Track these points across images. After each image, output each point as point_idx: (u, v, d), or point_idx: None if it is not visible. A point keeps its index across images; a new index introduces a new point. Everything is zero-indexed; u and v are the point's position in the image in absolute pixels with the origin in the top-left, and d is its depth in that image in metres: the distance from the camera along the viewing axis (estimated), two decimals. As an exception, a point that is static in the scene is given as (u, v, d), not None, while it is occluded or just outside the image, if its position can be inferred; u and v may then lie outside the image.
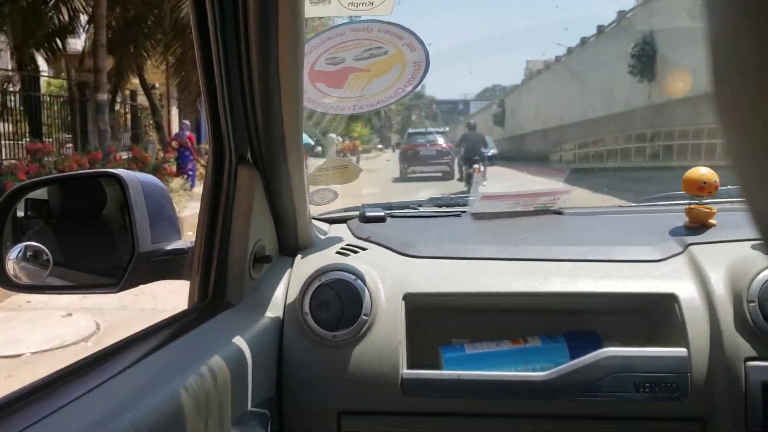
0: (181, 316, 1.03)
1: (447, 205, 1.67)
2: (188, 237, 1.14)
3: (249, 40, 0.99)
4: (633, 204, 1.80)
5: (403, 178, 18.66)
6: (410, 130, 21.61)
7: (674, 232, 1.31)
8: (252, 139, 1.12)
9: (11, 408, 0.64)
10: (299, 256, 1.29)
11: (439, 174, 17.92)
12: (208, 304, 1.09)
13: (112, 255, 1.14)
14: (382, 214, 1.50)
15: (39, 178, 1.19)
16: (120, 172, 1.09)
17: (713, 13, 0.27)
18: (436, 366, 1.17)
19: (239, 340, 0.97)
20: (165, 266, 1.10)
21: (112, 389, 0.71)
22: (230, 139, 1.08)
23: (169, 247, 1.10)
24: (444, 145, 19.39)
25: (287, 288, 1.21)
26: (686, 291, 1.14)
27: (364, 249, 1.29)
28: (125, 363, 0.79)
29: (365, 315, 1.14)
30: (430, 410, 1.14)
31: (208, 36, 0.98)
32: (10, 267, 1.09)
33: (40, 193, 1.18)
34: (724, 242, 1.23)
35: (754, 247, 1.19)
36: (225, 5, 0.97)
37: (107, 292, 1.08)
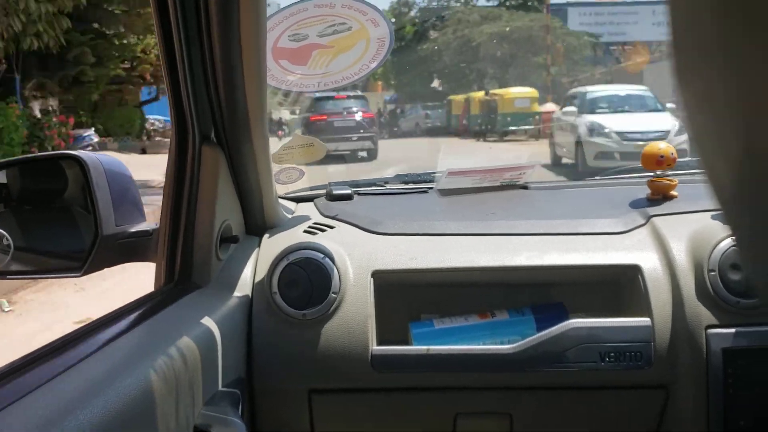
0: (148, 299, 1.02)
1: (414, 182, 1.67)
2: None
3: (210, 17, 0.97)
4: (597, 177, 1.82)
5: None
6: (317, 95, 15.56)
7: (637, 205, 1.33)
8: (215, 118, 1.11)
9: None
10: (266, 236, 1.28)
11: (364, 153, 14.51)
12: (175, 286, 1.08)
13: (75, 238, 1.12)
14: (349, 191, 1.50)
15: None
16: (81, 153, 1.06)
17: None
18: (406, 342, 1.18)
19: (207, 321, 0.97)
20: (130, 248, 1.08)
21: (80, 374, 0.71)
22: (193, 118, 1.07)
23: (133, 229, 1.08)
24: (364, 113, 15.34)
25: (255, 268, 1.20)
26: (649, 262, 1.16)
27: (331, 227, 1.29)
28: (92, 347, 0.78)
29: (334, 293, 1.14)
30: (401, 385, 1.15)
31: (168, 14, 0.96)
32: None
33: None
34: (685, 213, 1.25)
35: (714, 217, 1.21)
36: None
37: (71, 276, 1.07)
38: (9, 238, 1.07)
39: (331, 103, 15.36)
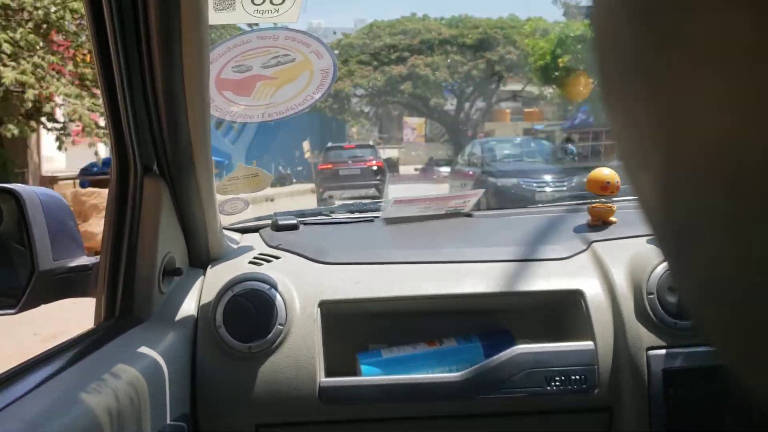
0: (88, 335, 0.99)
1: (360, 211, 1.67)
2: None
3: (151, 47, 0.96)
4: (540, 205, 1.86)
5: (319, 203, 15.08)
6: (328, 144, 18.12)
7: (578, 231, 1.36)
8: (158, 149, 1.09)
9: None
10: (210, 268, 1.26)
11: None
12: (116, 321, 1.05)
13: (9, 274, 1.08)
14: (294, 221, 1.49)
15: None
16: (16, 186, 1.03)
17: (598, 9, 0.29)
18: (354, 373, 1.17)
19: (151, 356, 0.94)
20: (69, 284, 1.05)
21: (15, 414, 0.68)
22: (135, 149, 1.05)
23: (72, 264, 1.05)
24: (372, 162, 15.95)
25: (199, 300, 1.18)
26: (591, 286, 1.19)
27: (277, 258, 1.28)
28: (29, 386, 0.75)
29: (280, 324, 1.12)
30: (350, 417, 1.14)
31: (107, 42, 0.95)
32: None
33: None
34: (623, 239, 1.29)
35: (649, 242, 1.25)
36: (124, 11, 0.94)
37: (5, 314, 1.03)
38: None
39: (338, 153, 16.51)
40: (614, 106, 0.29)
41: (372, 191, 15.00)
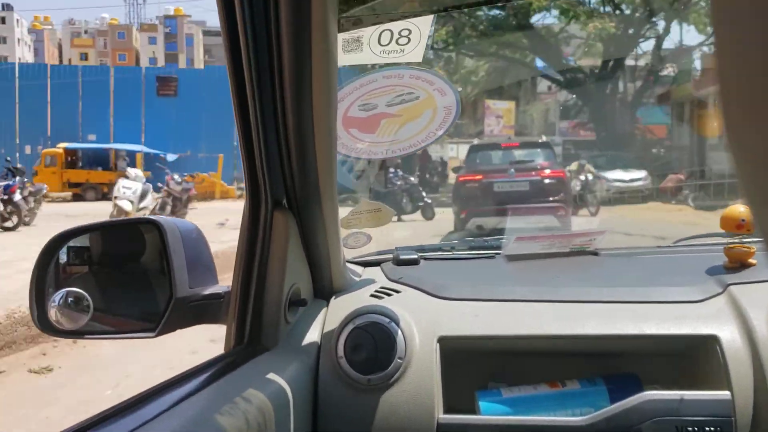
0: (218, 360, 1.04)
1: (480, 247, 1.66)
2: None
3: (284, 88, 1.01)
4: (671, 244, 1.77)
5: (457, 229, 10.03)
6: (475, 142, 12.13)
7: (713, 272, 1.29)
8: (287, 184, 1.14)
9: None
10: (334, 299, 1.29)
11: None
12: (245, 348, 1.10)
13: (150, 300, 1.16)
14: (415, 256, 1.50)
15: (80, 225, 1.22)
16: (159, 218, 1.11)
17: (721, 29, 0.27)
18: (472, 410, 1.15)
19: (276, 384, 0.98)
20: (202, 310, 1.11)
21: (154, 429, 0.72)
22: (266, 184, 1.11)
23: (206, 292, 1.11)
24: (546, 170, 10.09)
25: (322, 331, 1.21)
26: (727, 332, 1.12)
27: (397, 291, 1.29)
28: (162, 407, 0.80)
29: (399, 358, 1.13)
30: None
31: (244, 83, 1.01)
32: (53, 313, 1.11)
33: (82, 240, 1.21)
34: (765, 282, 1.21)
35: None
36: (260, 52, 1.00)
37: (146, 337, 1.10)
38: (89, 299, 1.12)
39: (489, 155, 10.61)
40: (735, 133, 0.28)
41: (549, 220, 8.93)
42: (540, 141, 11.90)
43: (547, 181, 9.99)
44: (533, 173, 10.08)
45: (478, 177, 10.05)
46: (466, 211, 10.11)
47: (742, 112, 0.27)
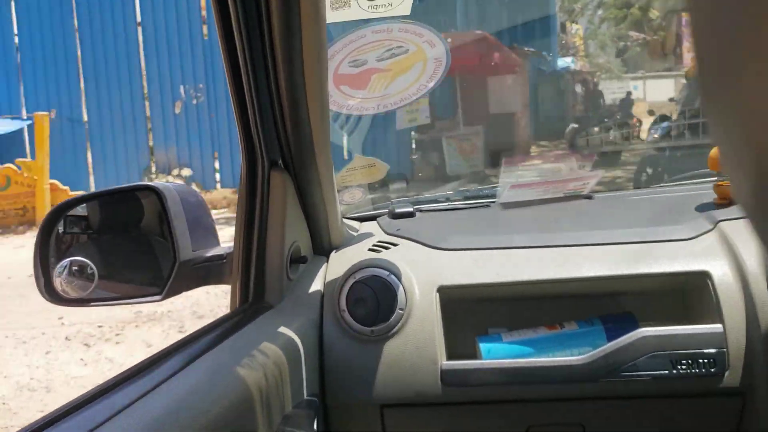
0: (225, 319, 1.06)
1: (475, 197, 1.68)
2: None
3: (274, 49, 1.01)
4: (661, 185, 1.79)
5: None
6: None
7: (703, 210, 1.31)
8: (282, 144, 1.15)
9: (75, 410, 0.68)
10: (333, 255, 1.31)
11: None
12: (250, 306, 1.12)
13: (153, 265, 1.18)
14: (410, 209, 1.52)
15: (79, 195, 1.23)
16: (156, 184, 1.12)
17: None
18: (474, 356, 1.18)
19: (282, 340, 1.00)
20: (206, 272, 1.13)
21: (168, 390, 0.75)
22: (262, 145, 1.11)
23: (208, 254, 1.13)
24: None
25: (323, 286, 1.23)
26: (719, 267, 1.15)
27: (395, 245, 1.31)
28: (177, 366, 0.82)
29: (401, 309, 1.16)
30: (471, 399, 1.16)
31: (235, 47, 1.01)
32: (58, 283, 1.13)
33: (80, 210, 1.22)
34: None
35: None
36: (249, 15, 0.99)
37: (152, 301, 1.12)
38: (93, 267, 1.14)
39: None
40: (713, 95, 0.28)
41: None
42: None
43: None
44: None
45: None
46: None
47: (717, 80, 0.27)
